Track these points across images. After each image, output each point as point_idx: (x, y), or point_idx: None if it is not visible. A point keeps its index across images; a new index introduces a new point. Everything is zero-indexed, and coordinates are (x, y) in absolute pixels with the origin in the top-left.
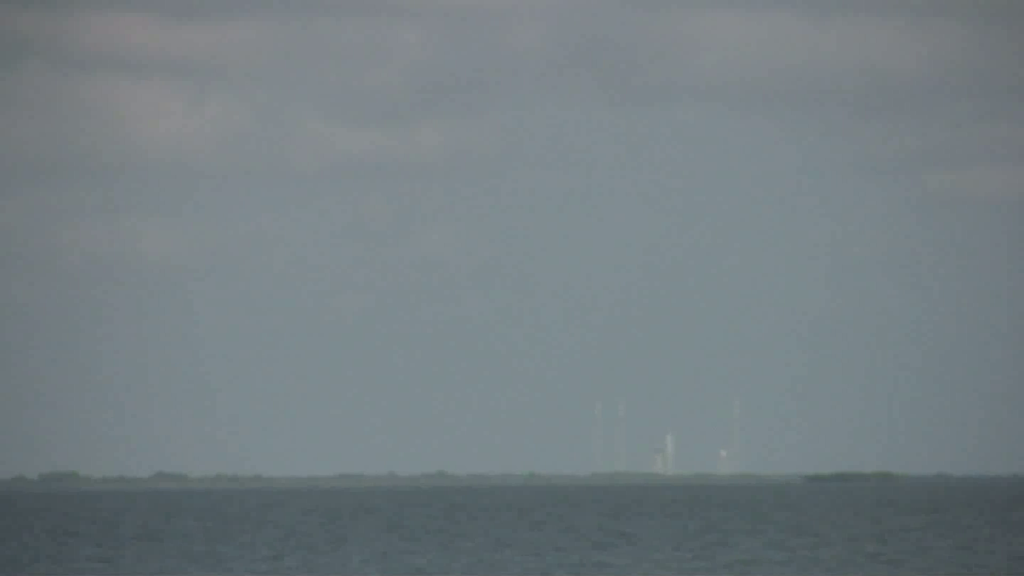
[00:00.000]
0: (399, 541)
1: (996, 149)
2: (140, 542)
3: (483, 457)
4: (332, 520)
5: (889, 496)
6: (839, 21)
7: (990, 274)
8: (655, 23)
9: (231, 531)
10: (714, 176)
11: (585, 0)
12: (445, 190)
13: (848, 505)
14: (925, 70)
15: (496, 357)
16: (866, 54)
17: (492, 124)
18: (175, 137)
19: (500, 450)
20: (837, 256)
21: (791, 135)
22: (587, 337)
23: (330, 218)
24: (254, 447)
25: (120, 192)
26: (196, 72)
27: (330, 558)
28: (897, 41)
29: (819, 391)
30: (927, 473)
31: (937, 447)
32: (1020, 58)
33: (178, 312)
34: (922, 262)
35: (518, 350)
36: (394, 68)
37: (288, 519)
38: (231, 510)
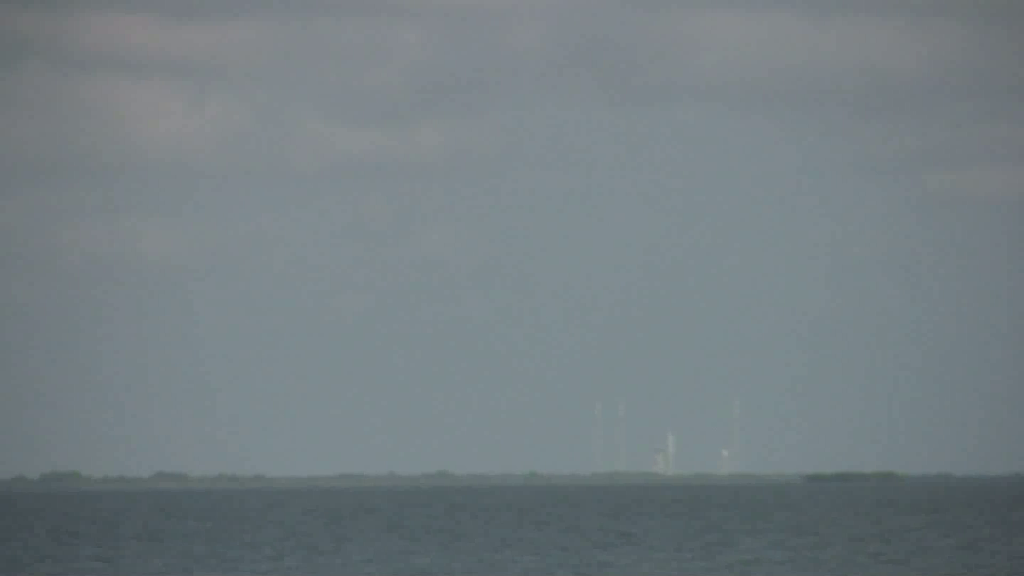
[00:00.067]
0: (400, 541)
1: (996, 149)
2: (140, 542)
3: (483, 457)
4: (333, 520)
5: (890, 496)
6: (839, 21)
7: (990, 274)
8: (655, 23)
9: (232, 531)
10: (714, 176)
11: (585, 0)
12: (445, 190)
13: (849, 505)
14: (925, 70)
15: (496, 357)
16: (866, 54)
17: (492, 124)
18: (175, 137)
19: (500, 450)
20: (837, 256)
21: (791, 135)
22: (587, 337)
23: (330, 218)
24: (254, 447)
25: (120, 192)
26: (196, 72)
27: (331, 558)
28: (897, 41)
29: (819, 391)
30: (928, 473)
31: (938, 447)
32: (1020, 58)
33: (178, 312)
34: (922, 262)
35: (518, 350)
36: (394, 68)
37: (289, 519)
38: (232, 510)
